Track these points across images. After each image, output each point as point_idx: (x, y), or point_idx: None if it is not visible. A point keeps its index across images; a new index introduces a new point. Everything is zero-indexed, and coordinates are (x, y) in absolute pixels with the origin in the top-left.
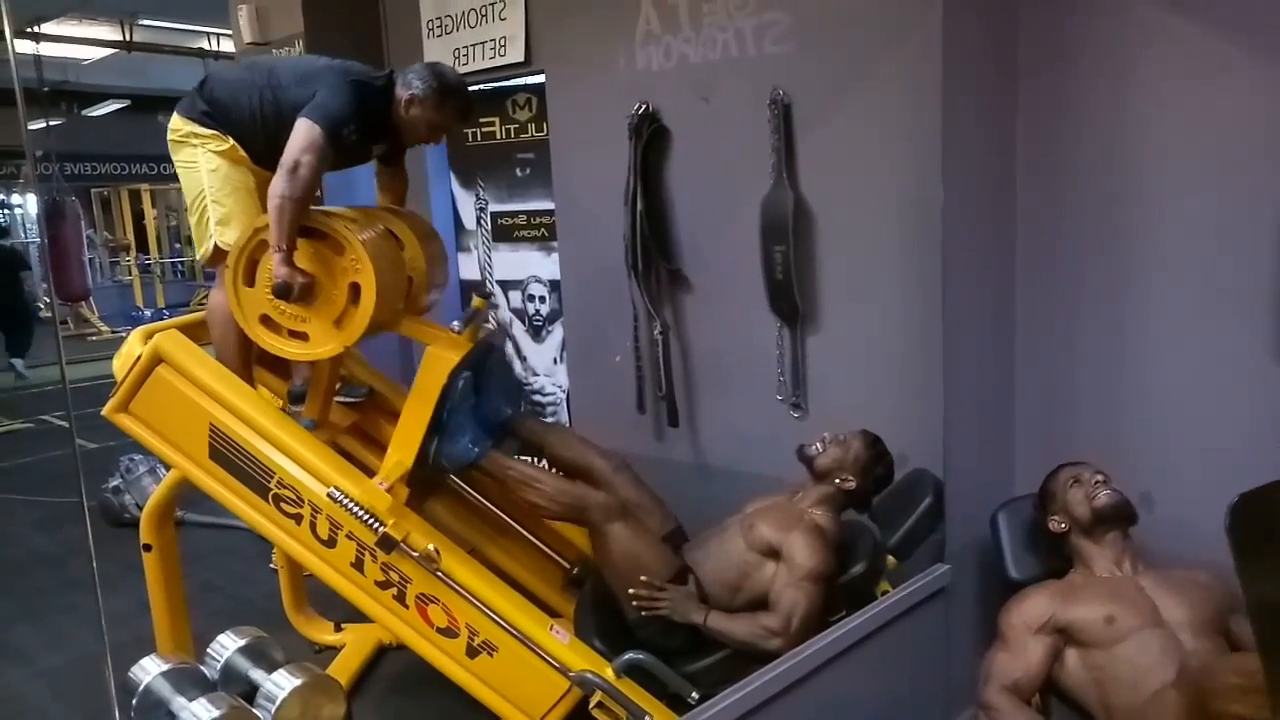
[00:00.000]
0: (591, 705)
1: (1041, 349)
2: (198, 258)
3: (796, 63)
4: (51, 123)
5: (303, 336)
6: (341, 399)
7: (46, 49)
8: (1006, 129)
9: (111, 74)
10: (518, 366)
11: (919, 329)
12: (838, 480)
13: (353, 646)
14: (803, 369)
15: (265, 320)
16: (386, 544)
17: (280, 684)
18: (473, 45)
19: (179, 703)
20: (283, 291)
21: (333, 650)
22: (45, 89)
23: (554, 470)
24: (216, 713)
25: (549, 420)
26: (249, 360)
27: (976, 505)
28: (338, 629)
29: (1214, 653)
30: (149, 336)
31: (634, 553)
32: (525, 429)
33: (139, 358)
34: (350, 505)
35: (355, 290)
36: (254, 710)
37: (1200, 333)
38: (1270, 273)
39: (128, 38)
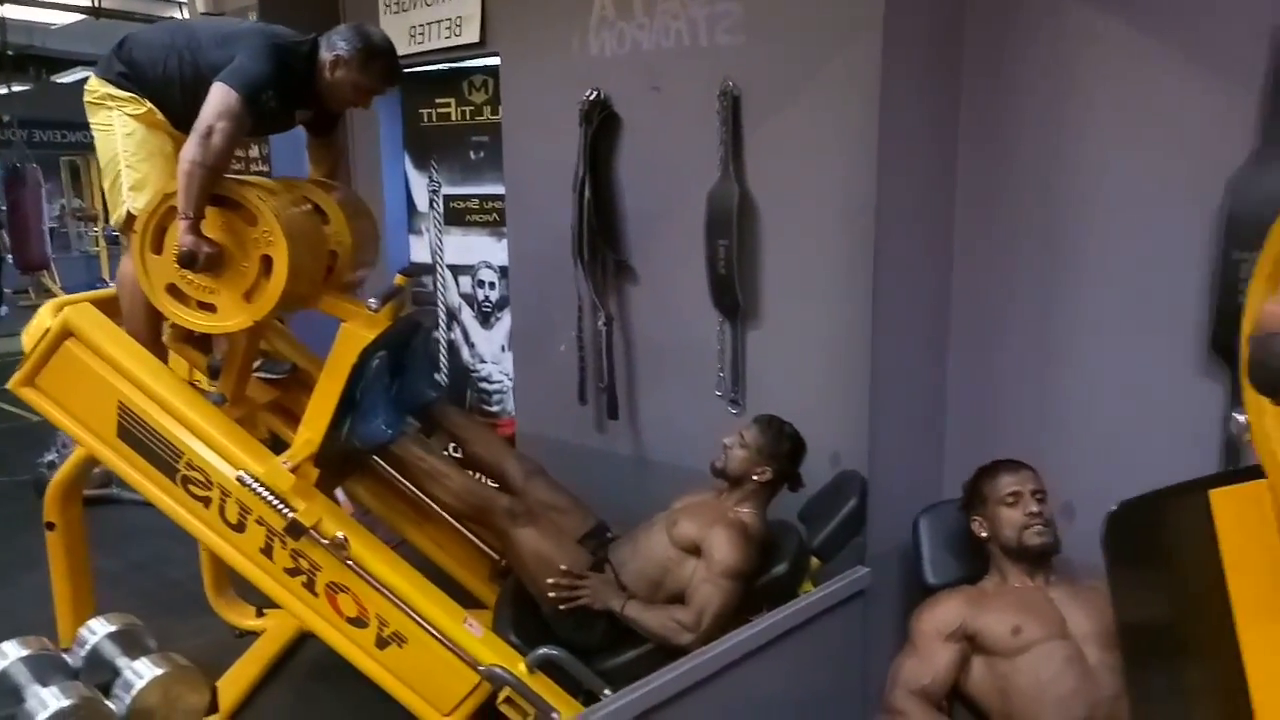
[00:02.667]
0: (499, 701)
1: (975, 355)
2: (111, 223)
3: (747, 55)
4: (16, 88)
5: (210, 308)
6: (262, 374)
7: (11, 11)
8: (947, 134)
9: (81, 40)
10: (465, 353)
11: (855, 330)
12: (755, 476)
13: (273, 631)
14: (742, 365)
15: (172, 290)
16: (295, 530)
17: (140, 673)
18: (429, 24)
19: (33, 690)
20: (187, 260)
21: (254, 635)
22: (10, 53)
23: (469, 466)
24: (65, 703)
25: (494, 408)
26: (158, 331)
27: (902, 508)
28: (260, 614)
29: (1118, 667)
30: (61, 309)
31: (544, 552)
32: (448, 419)
33: (47, 330)
34: (260, 489)
35: (268, 263)
36: (108, 701)
37: (1128, 344)
38: (1196, 284)
39: (97, 3)
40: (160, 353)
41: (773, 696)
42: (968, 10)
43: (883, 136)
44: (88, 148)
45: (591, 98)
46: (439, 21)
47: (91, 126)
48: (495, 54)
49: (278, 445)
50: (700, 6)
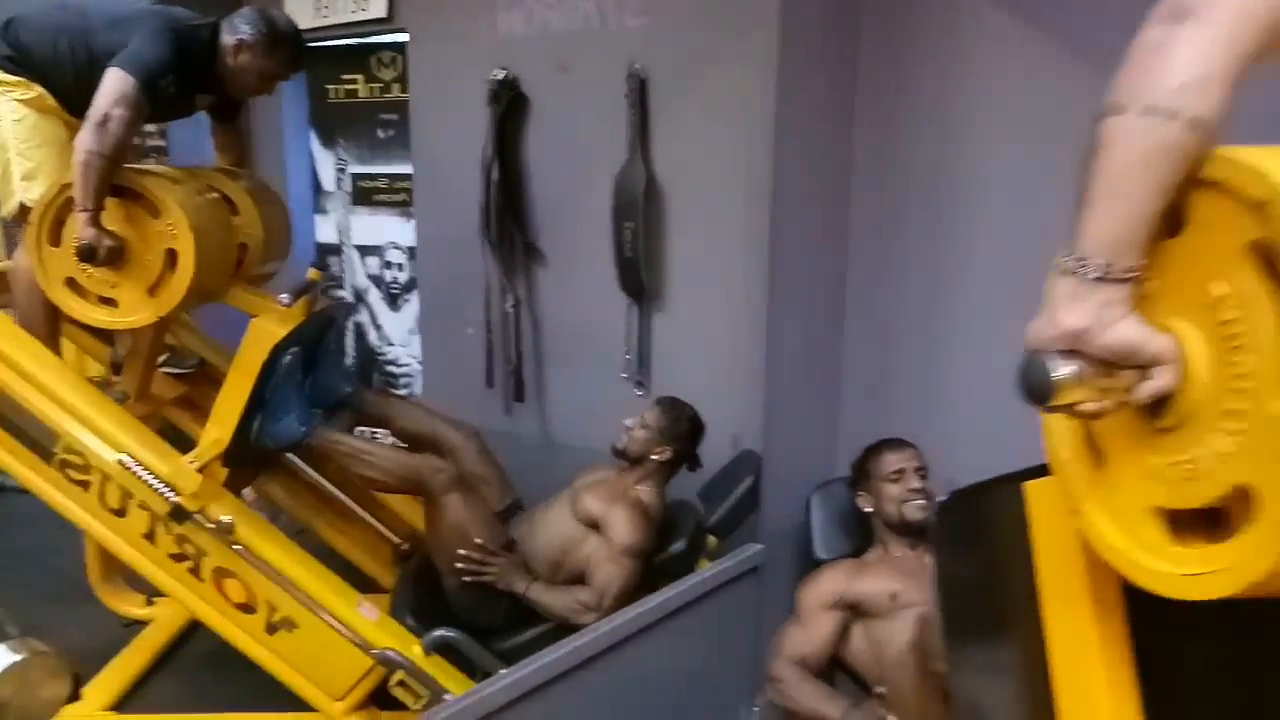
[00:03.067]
0: (392, 684)
1: (869, 339)
2: (2, 215)
3: (654, 38)
4: None
5: (111, 303)
6: (168, 370)
7: None
8: (843, 122)
9: None
10: (372, 335)
11: (755, 313)
12: (654, 456)
13: (162, 620)
14: (648, 347)
15: (71, 284)
16: (179, 514)
17: None
18: None
19: None
20: (87, 254)
21: (143, 625)
22: None
23: (399, 443)
24: None
25: (400, 393)
26: (56, 326)
27: (796, 486)
28: (150, 602)
29: None
30: None
31: (464, 524)
32: (369, 403)
33: None
34: (141, 473)
35: (172, 256)
36: None
37: (1010, 328)
38: None
39: None
40: (57, 347)
41: (668, 670)
42: (863, 2)
43: (779, 123)
44: None
45: (500, 78)
46: None
47: None
48: (403, 30)
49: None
50: None
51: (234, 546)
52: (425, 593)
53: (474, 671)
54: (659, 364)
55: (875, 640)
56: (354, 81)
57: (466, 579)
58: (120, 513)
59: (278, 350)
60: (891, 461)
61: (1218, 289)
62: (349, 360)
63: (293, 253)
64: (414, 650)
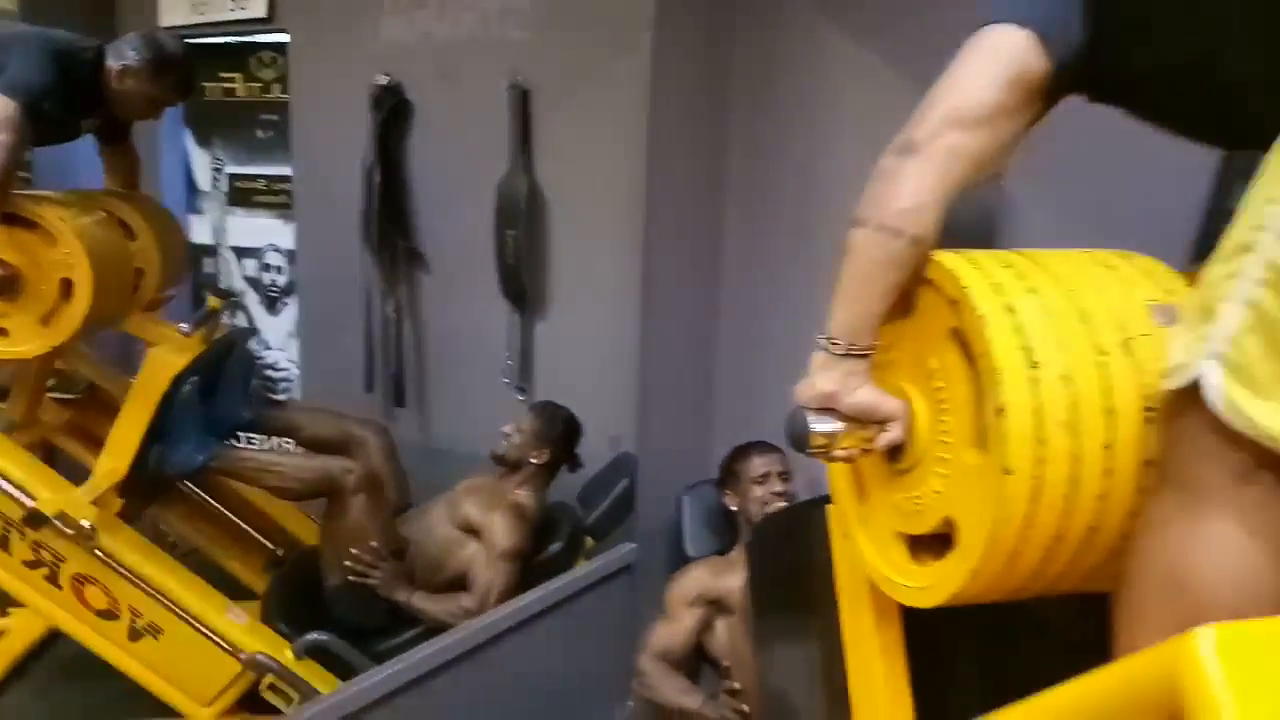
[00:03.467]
0: (263, 687)
1: (741, 344)
2: None
3: (536, 50)
4: None
5: (2, 332)
6: (56, 395)
7: None
8: (716, 136)
9: None
10: (251, 341)
11: (632, 319)
12: (532, 459)
13: (16, 631)
14: (530, 353)
15: None
16: (35, 520)
17: None
18: None
19: None
20: None
21: None
22: None
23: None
24: None
25: (280, 396)
26: None
27: (670, 487)
28: (2, 612)
29: None
30: None
31: (363, 525)
32: (273, 418)
33: None
34: None
35: (68, 285)
36: None
37: None
38: None
39: None
40: None
41: (543, 667)
42: (736, 27)
43: (652, 137)
44: None
45: (383, 83)
46: None
47: None
48: (284, 31)
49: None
50: (491, 0)
51: (95, 552)
52: (298, 598)
53: (350, 675)
54: (540, 369)
55: (738, 639)
56: (232, 80)
57: (352, 578)
58: None
59: (177, 380)
60: (757, 465)
61: (932, 363)
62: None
63: None
64: (285, 654)
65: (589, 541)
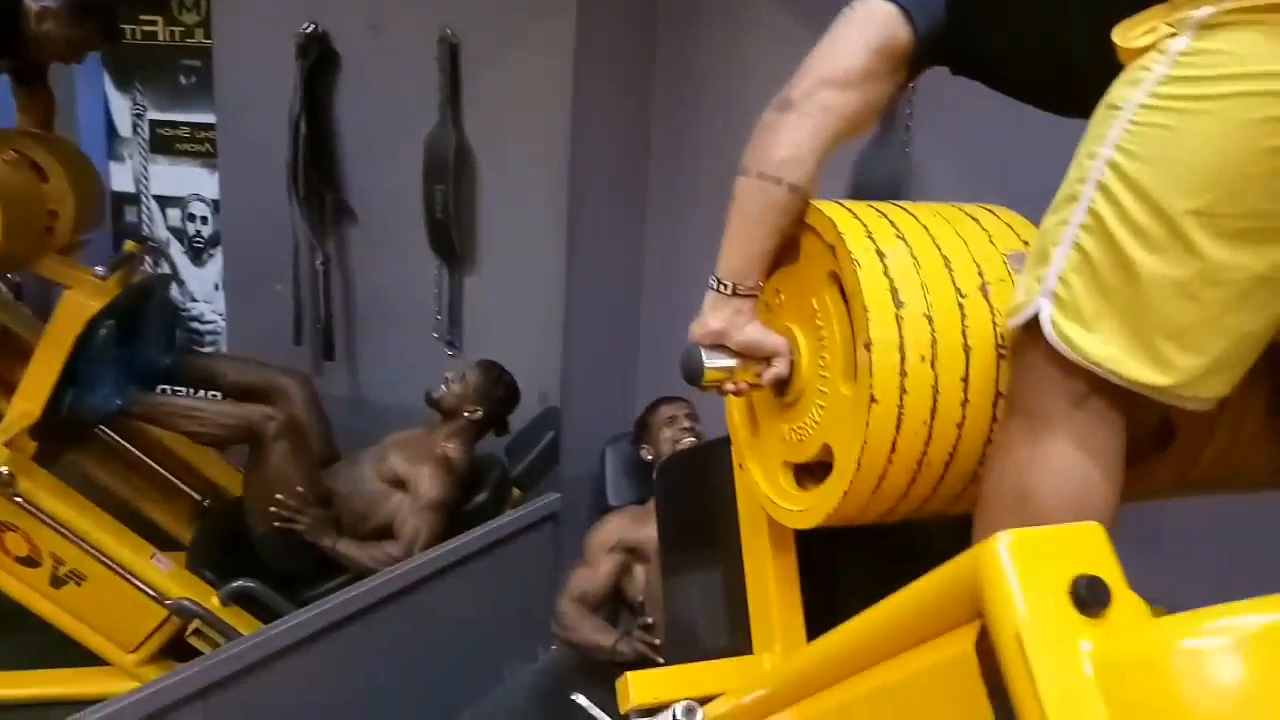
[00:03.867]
0: (188, 633)
1: (665, 302)
2: None
3: (466, 5)
4: None
5: None
6: None
7: None
8: (640, 98)
9: None
10: (174, 290)
11: (559, 276)
12: (466, 413)
13: None
14: (459, 308)
15: None
16: None
17: None
18: None
19: None
20: None
21: None
22: None
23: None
24: None
25: (206, 349)
26: None
27: (594, 440)
28: None
29: None
30: None
31: (286, 472)
32: (193, 366)
33: None
34: None
35: None
36: None
37: None
38: None
39: None
40: None
41: (468, 613)
42: None
43: (577, 96)
44: None
45: (308, 31)
46: None
47: None
48: None
49: None
50: None
51: (14, 499)
52: (224, 546)
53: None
54: (470, 324)
55: (652, 580)
56: (153, 23)
57: (278, 525)
58: None
59: (92, 323)
60: (665, 411)
61: (814, 304)
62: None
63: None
64: (211, 601)
65: (516, 493)
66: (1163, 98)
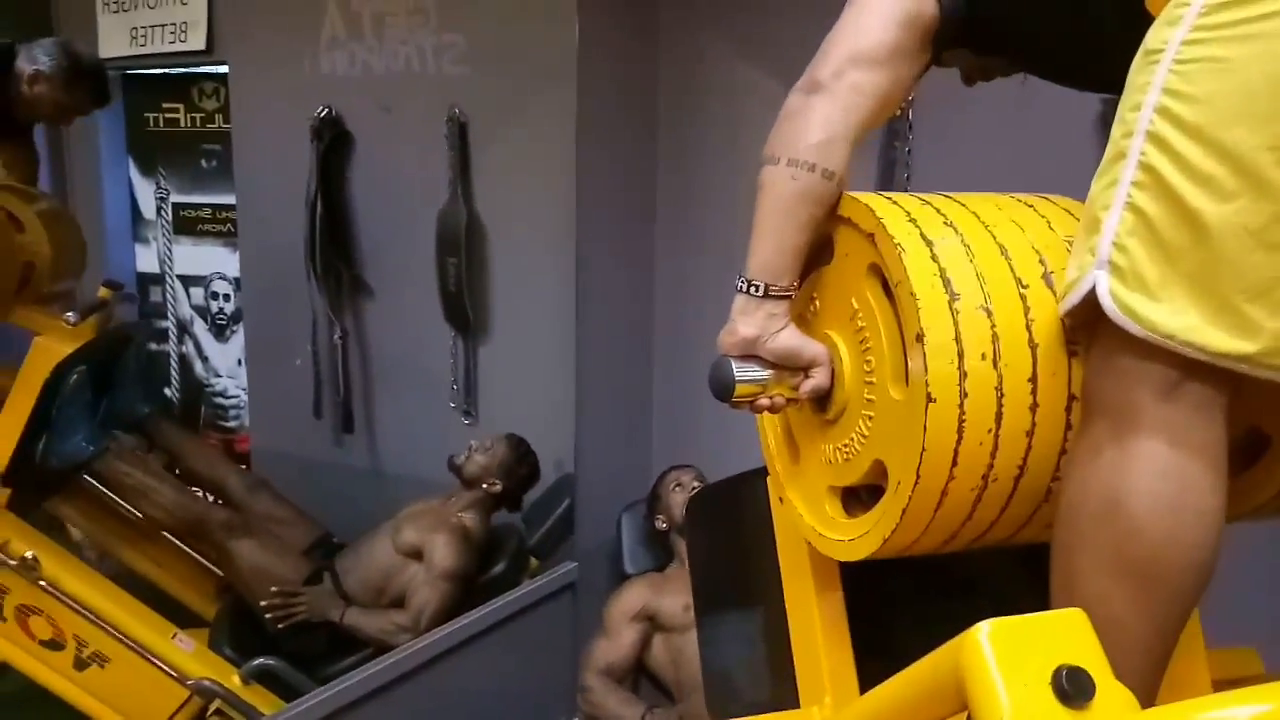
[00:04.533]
0: (210, 713)
1: (676, 369)
2: None
3: (473, 84)
4: None
5: None
6: None
7: None
8: (645, 168)
9: None
10: (198, 367)
11: (569, 344)
12: (485, 485)
13: None
14: (474, 377)
15: None
16: None
17: None
18: (152, 27)
19: None
20: None
21: None
22: None
23: (188, 483)
24: None
25: (231, 423)
26: None
27: (609, 507)
28: None
29: None
30: None
31: (262, 565)
32: (163, 434)
33: None
34: None
35: None
36: None
37: None
38: None
39: None
40: None
41: (487, 685)
42: (659, 61)
43: (581, 165)
44: None
45: (323, 115)
46: (164, 25)
47: None
48: (223, 63)
49: None
50: (427, 35)
51: (39, 583)
52: (246, 623)
53: (296, 698)
54: (485, 393)
55: (674, 649)
56: (175, 110)
57: (281, 625)
58: None
59: (62, 369)
60: (673, 476)
61: (853, 303)
62: (170, 387)
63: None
64: (232, 680)
65: (533, 562)
66: (1209, 28)
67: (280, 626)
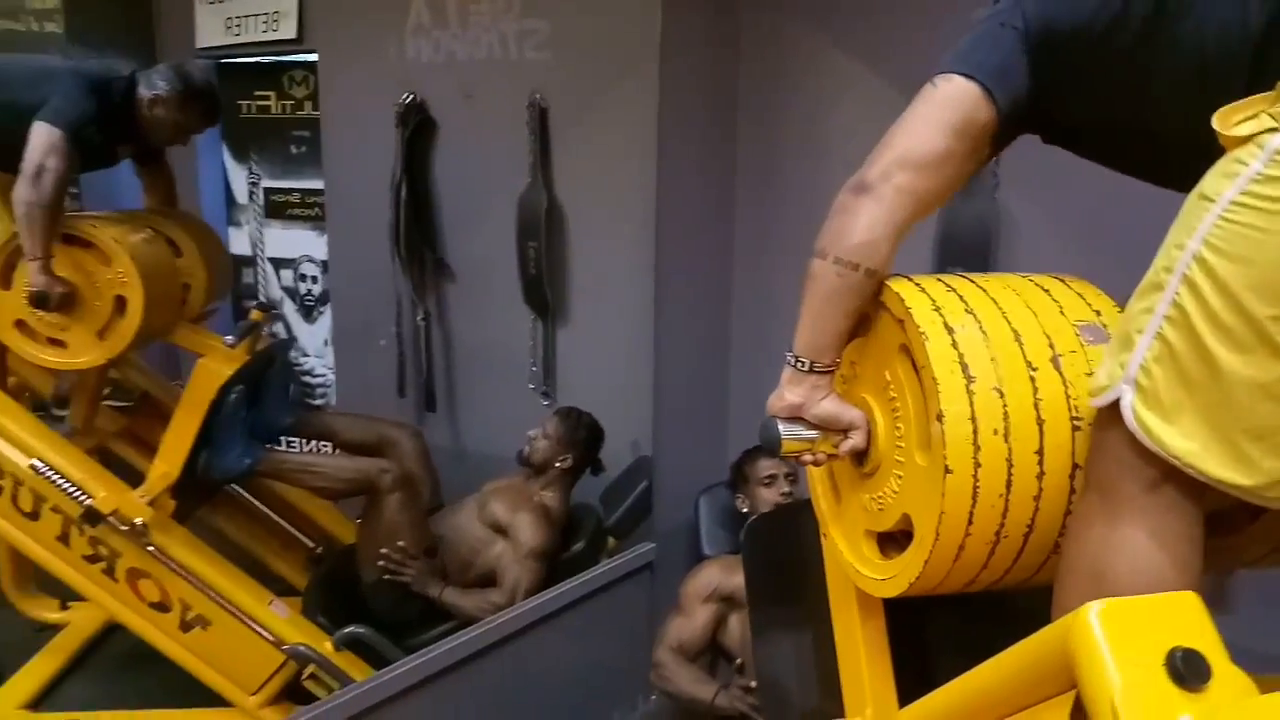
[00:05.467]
0: (304, 677)
1: (754, 348)
2: None
3: (554, 70)
4: None
5: (61, 344)
6: (111, 403)
7: None
8: (725, 148)
9: None
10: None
11: (647, 326)
12: (557, 464)
13: (77, 624)
14: (553, 359)
15: (21, 325)
16: (91, 517)
17: None
18: (246, 16)
19: None
20: (39, 301)
21: (56, 629)
22: None
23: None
24: None
25: (317, 401)
26: (2, 364)
27: (686, 488)
28: (64, 606)
29: None
30: None
31: (396, 524)
32: (311, 422)
33: None
34: (54, 478)
35: (121, 302)
36: None
37: None
38: None
39: None
40: (3, 385)
41: (566, 661)
42: (741, 44)
43: (662, 150)
44: None
45: (407, 101)
46: (256, 15)
47: None
48: (313, 51)
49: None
50: (510, 22)
51: (147, 548)
52: (337, 593)
53: (384, 666)
54: (563, 375)
55: (747, 632)
56: (267, 98)
57: (387, 576)
58: (34, 516)
59: (223, 389)
60: (764, 467)
61: (887, 376)
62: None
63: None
64: (325, 646)
65: (611, 541)
66: (1256, 197)
67: (385, 579)
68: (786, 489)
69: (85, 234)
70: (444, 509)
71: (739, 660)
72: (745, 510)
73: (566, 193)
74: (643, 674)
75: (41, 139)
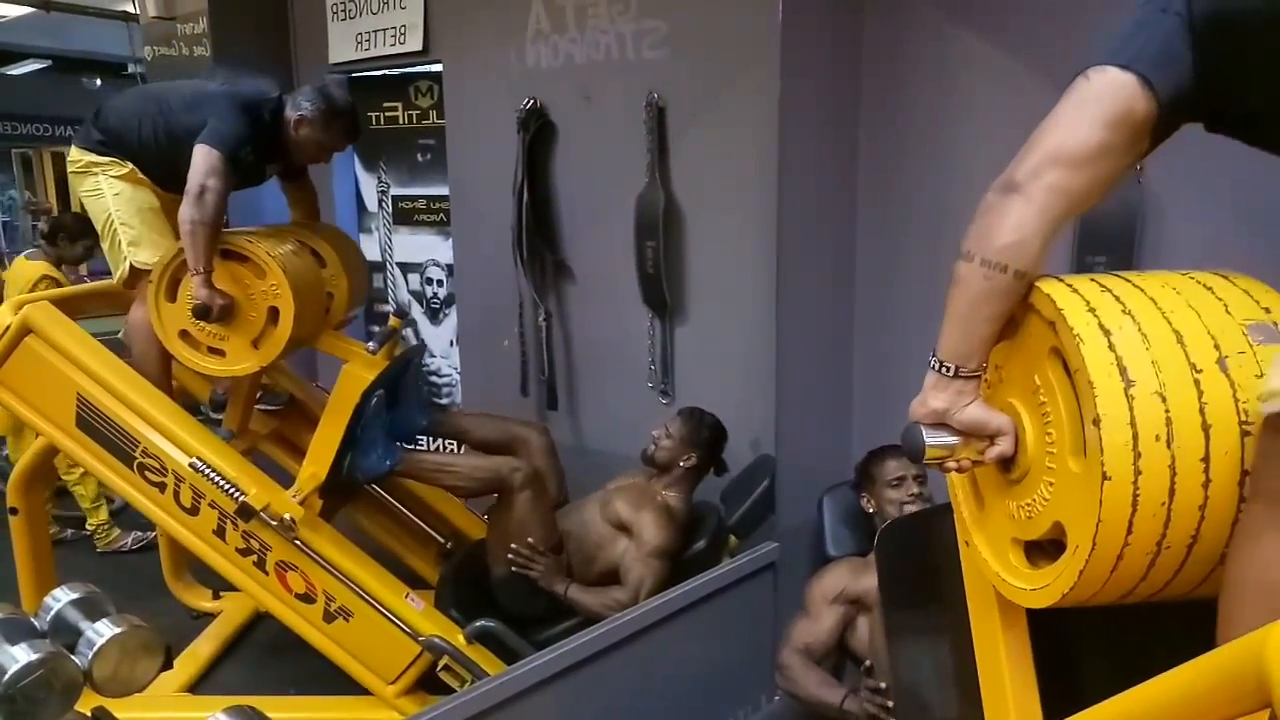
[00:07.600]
0: (439, 668)
1: (877, 345)
2: (114, 281)
3: (671, 69)
4: None
5: (220, 353)
6: (261, 406)
7: None
8: (846, 146)
9: (31, 33)
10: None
11: (769, 324)
12: (681, 463)
13: (229, 612)
14: (671, 358)
15: (184, 335)
16: (245, 512)
17: (100, 632)
18: (374, 31)
19: (3, 649)
20: (202, 313)
21: (210, 617)
22: None
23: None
24: (34, 657)
25: (444, 400)
26: (168, 370)
27: (809, 488)
28: (216, 596)
29: None
30: (19, 307)
31: (527, 520)
32: (443, 423)
33: (8, 328)
34: (211, 475)
35: (274, 312)
36: (73, 658)
37: None
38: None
39: None
40: (169, 392)
41: (691, 659)
42: (863, 41)
43: (782, 149)
44: (40, 140)
45: (528, 106)
46: (385, 30)
47: (80, 194)
48: (438, 62)
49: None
50: (628, 23)
51: (295, 542)
52: (467, 587)
53: (514, 659)
54: (681, 374)
55: (876, 635)
56: (394, 109)
57: (515, 570)
58: (193, 511)
59: (366, 394)
60: (892, 468)
61: (1036, 380)
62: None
63: None
64: (457, 638)
65: (733, 540)
66: None
67: (513, 571)
68: (915, 490)
69: (242, 249)
70: (568, 505)
71: (867, 662)
72: (871, 511)
73: (684, 191)
74: (765, 674)
75: (203, 161)
